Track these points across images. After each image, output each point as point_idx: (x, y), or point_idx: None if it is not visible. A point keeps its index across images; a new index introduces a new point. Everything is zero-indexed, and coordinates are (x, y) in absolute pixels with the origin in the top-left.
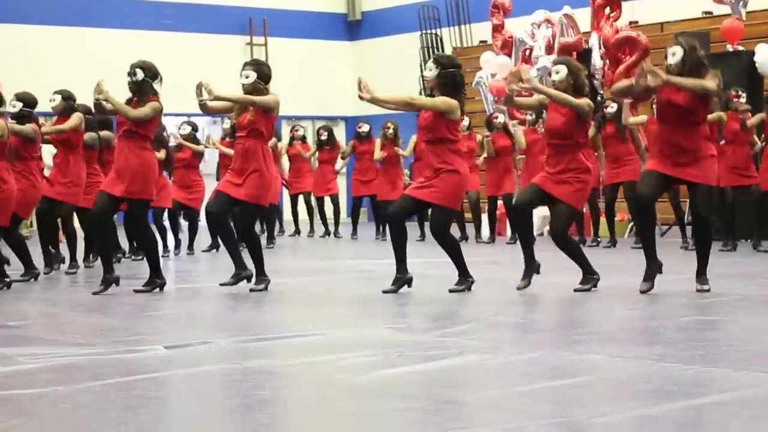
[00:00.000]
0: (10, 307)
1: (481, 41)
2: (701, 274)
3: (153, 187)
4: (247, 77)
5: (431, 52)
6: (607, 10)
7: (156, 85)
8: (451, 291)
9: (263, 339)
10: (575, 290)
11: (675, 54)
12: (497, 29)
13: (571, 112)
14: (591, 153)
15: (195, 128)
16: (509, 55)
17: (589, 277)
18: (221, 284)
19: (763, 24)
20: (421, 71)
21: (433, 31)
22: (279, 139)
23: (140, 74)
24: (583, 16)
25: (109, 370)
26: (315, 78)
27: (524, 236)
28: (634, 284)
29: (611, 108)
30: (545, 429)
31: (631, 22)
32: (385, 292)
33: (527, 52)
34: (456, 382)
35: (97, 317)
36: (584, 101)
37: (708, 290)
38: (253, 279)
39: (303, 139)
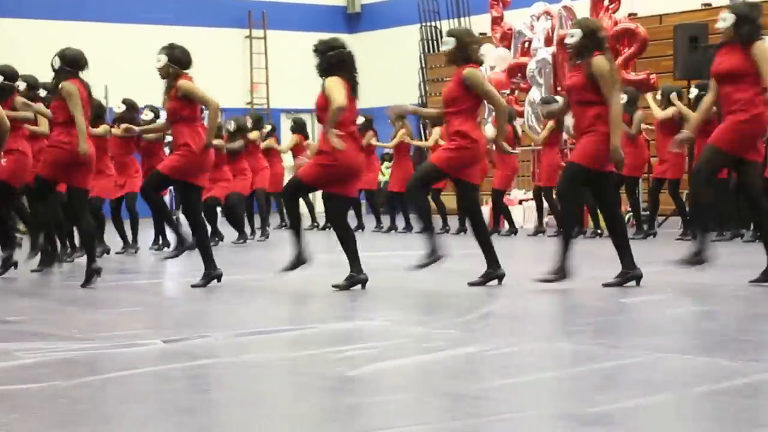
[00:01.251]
0: (6, 303)
1: (480, 33)
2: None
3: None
4: (158, 61)
5: (431, 45)
6: (606, 1)
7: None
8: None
9: (257, 333)
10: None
11: (573, 36)
12: (496, 21)
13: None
14: None
15: (157, 114)
16: (508, 47)
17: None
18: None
19: (764, 15)
20: (421, 64)
21: (433, 24)
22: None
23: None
24: (583, 8)
25: (107, 364)
26: (314, 70)
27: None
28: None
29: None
30: (541, 420)
31: (630, 14)
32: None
33: (526, 45)
34: (452, 374)
35: (94, 312)
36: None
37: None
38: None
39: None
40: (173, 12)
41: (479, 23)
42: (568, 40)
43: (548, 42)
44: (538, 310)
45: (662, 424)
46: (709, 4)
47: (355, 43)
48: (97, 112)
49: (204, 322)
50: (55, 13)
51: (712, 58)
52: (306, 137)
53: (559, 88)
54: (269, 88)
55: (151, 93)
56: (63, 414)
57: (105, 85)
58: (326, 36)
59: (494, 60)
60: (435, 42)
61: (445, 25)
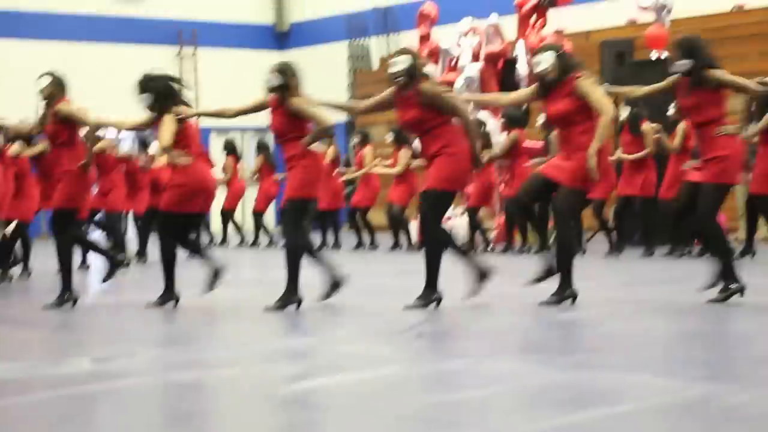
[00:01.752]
0: None
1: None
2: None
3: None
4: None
5: (360, 62)
6: (533, 18)
7: None
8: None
9: (187, 352)
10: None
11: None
12: (424, 38)
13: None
14: None
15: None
16: (436, 64)
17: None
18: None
19: (687, 31)
20: (350, 80)
21: (361, 41)
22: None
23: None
24: (510, 25)
25: (38, 384)
26: (245, 88)
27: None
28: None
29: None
30: None
31: (556, 31)
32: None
33: (453, 62)
34: (377, 393)
35: (24, 331)
36: None
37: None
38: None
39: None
40: (105, 30)
41: (406, 40)
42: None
43: (475, 58)
44: (458, 327)
45: None
46: (635, 21)
47: (284, 59)
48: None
49: (132, 341)
50: None
51: (638, 74)
52: (237, 158)
53: None
54: (199, 106)
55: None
56: None
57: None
58: (255, 52)
59: None
60: (363, 59)
61: (374, 42)
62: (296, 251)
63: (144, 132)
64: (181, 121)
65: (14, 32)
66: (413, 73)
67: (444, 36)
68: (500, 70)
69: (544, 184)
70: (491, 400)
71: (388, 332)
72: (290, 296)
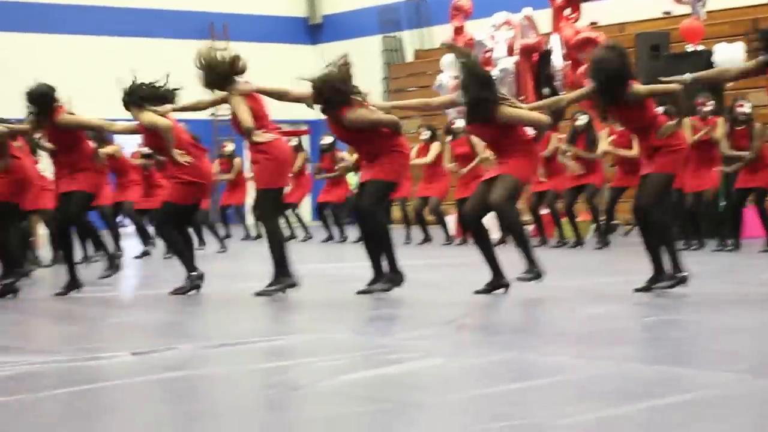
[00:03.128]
0: None
1: (442, 43)
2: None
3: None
4: None
5: (393, 56)
6: (568, 11)
7: None
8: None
9: (225, 345)
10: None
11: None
12: (458, 31)
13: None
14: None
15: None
16: None
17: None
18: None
19: (722, 24)
20: (384, 74)
21: (395, 35)
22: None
23: None
24: (544, 18)
25: (74, 377)
26: (277, 82)
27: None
28: (599, 285)
29: (581, 121)
30: (510, 431)
31: (591, 23)
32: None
33: (488, 54)
34: (420, 385)
35: (61, 324)
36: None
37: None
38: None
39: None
40: (135, 24)
41: (440, 33)
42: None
43: (510, 52)
44: (505, 320)
45: None
46: (670, 13)
47: (317, 53)
48: None
49: (172, 334)
50: (17, 25)
51: (673, 67)
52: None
53: (521, 98)
54: None
55: (115, 105)
56: (31, 427)
57: (69, 97)
58: (287, 47)
59: (456, 70)
60: (397, 52)
61: (407, 36)
62: (278, 237)
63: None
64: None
65: (42, 27)
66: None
67: (478, 30)
68: (535, 63)
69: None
70: (536, 392)
71: (430, 324)
72: (282, 280)
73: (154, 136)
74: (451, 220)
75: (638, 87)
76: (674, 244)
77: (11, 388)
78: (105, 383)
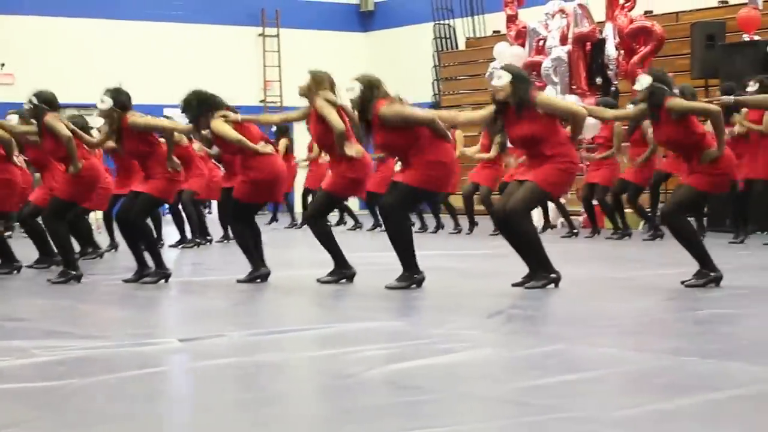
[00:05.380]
0: (23, 300)
1: (494, 31)
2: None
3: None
4: (102, 102)
5: (445, 43)
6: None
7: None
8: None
9: (275, 332)
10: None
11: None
12: (511, 19)
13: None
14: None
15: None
16: (523, 46)
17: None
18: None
19: None
20: (435, 62)
21: (447, 22)
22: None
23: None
24: (598, 6)
25: (124, 362)
26: (328, 70)
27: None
28: (649, 277)
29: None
30: (562, 423)
31: (645, 12)
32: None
33: (541, 43)
34: (471, 376)
35: (110, 310)
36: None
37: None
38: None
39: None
40: (185, 9)
41: (493, 21)
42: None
43: (563, 40)
44: (555, 311)
45: (687, 430)
46: (726, 2)
47: (368, 41)
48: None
49: (219, 321)
50: (71, 11)
51: (729, 57)
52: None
53: (574, 87)
54: (282, 86)
55: (165, 90)
56: (80, 412)
57: (119, 83)
58: (338, 34)
59: (509, 58)
60: (449, 40)
61: (459, 24)
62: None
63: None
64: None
65: (91, 12)
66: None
67: (531, 18)
68: (588, 52)
69: None
70: (584, 384)
71: (468, 316)
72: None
73: (225, 144)
74: None
75: (676, 102)
76: (699, 246)
77: (61, 372)
78: (152, 369)
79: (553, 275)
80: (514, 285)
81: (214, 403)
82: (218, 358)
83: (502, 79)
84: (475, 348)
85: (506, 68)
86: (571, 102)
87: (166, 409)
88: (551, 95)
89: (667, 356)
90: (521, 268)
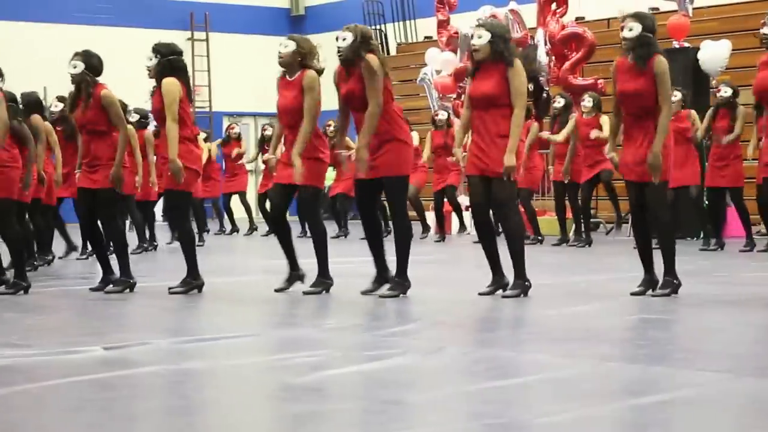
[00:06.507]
0: None
1: (426, 37)
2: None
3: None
4: (74, 67)
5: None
6: (554, 5)
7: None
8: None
9: (202, 340)
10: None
11: (632, 29)
12: (442, 25)
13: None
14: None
15: (144, 116)
16: (454, 51)
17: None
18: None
19: (709, 21)
20: None
21: (378, 27)
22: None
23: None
24: (529, 12)
25: (46, 372)
26: (257, 74)
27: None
28: (579, 283)
29: (558, 103)
30: (489, 429)
31: (577, 18)
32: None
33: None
34: (399, 382)
35: (33, 318)
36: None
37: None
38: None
39: (238, 137)
40: (112, 13)
41: (425, 26)
42: (628, 34)
43: None
44: (486, 318)
45: None
46: (657, 9)
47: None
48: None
49: (145, 329)
50: None
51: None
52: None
53: None
54: (211, 91)
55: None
56: (0, 423)
57: (44, 87)
58: (269, 38)
59: (440, 64)
60: (380, 45)
61: (390, 28)
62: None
63: None
64: None
65: (17, 15)
66: None
67: (462, 23)
68: None
69: None
70: (515, 390)
71: (410, 321)
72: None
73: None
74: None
75: (663, 64)
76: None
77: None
78: (76, 378)
79: (527, 283)
80: (480, 294)
81: (139, 413)
82: (143, 366)
83: (482, 39)
84: (405, 354)
85: (486, 26)
86: None
87: (91, 419)
88: None
89: (595, 362)
90: (455, 275)
